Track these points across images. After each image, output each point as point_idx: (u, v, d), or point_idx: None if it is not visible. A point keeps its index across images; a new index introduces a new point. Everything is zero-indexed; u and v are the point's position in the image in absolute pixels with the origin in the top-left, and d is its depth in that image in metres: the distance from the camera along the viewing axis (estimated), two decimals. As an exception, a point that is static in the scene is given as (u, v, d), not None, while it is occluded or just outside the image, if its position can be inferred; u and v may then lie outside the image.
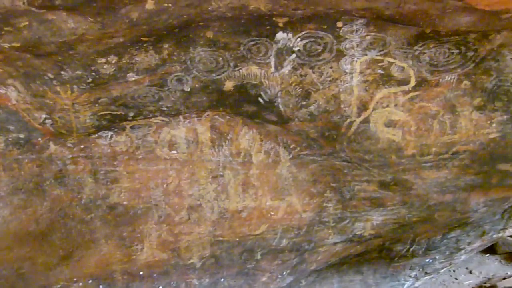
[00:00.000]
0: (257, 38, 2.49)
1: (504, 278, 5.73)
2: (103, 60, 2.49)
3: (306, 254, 3.72)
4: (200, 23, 2.38)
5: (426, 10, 2.01)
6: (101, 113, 2.75)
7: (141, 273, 3.24)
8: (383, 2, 2.14)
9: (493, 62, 2.54)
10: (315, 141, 2.98)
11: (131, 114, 2.82)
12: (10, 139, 2.78)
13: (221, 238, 3.30)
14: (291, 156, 3.13)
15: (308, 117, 2.84)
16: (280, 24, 2.42)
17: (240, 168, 3.12)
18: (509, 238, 6.43)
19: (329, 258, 3.94)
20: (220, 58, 2.60)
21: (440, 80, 2.64)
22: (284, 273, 3.73)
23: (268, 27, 2.44)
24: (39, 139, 2.80)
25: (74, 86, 2.59)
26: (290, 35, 2.47)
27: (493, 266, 6.46)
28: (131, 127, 2.89)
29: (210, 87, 2.75)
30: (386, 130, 2.80)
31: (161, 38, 2.45)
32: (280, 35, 2.47)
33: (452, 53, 2.52)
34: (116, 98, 2.69)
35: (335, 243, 3.70)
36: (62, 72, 2.53)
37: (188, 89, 2.74)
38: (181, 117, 2.95)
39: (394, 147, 2.85)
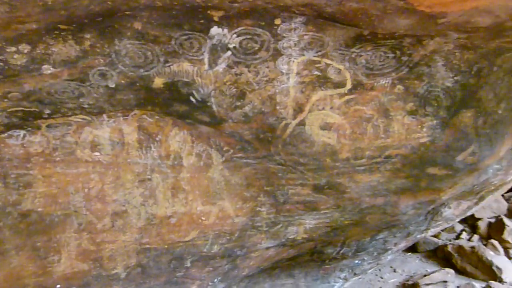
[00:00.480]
0: (190, 33, 2.33)
1: (425, 275, 6.00)
2: (13, 49, 2.21)
3: (238, 260, 3.65)
4: (127, 12, 2.17)
5: (367, 9, 1.97)
6: (12, 109, 2.49)
7: (58, 286, 2.99)
8: (325, -2, 2.08)
9: (425, 68, 2.58)
10: (249, 143, 2.89)
11: (47, 111, 2.56)
12: None
13: (148, 246, 3.13)
14: (223, 159, 3.03)
15: (243, 119, 2.74)
16: (215, 18, 2.28)
17: (170, 171, 2.98)
18: (429, 237, 6.77)
19: (261, 263, 3.90)
20: (149, 53, 2.41)
21: (375, 84, 2.64)
22: (215, 280, 3.65)
23: (202, 21, 2.29)
24: None
25: (-22, 78, 2.30)
26: (226, 30, 2.34)
27: (415, 264, 6.79)
28: (48, 126, 2.66)
29: (137, 84, 2.55)
30: (322, 133, 2.77)
31: (83, 27, 2.21)
32: (215, 30, 2.33)
33: (388, 57, 2.52)
34: (29, 92, 2.42)
35: (267, 248, 3.65)
36: (-38, 61, 2.22)
37: (113, 85, 2.52)
38: (105, 116, 2.74)
39: (329, 150, 2.82)
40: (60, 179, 2.78)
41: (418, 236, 4.75)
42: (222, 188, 3.12)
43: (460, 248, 6.52)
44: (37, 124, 2.62)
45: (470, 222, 7.22)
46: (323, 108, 2.70)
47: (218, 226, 3.26)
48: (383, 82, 2.64)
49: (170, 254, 3.22)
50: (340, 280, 4.92)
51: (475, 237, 7.04)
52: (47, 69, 2.34)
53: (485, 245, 6.61)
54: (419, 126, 2.76)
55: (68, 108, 2.60)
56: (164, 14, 2.22)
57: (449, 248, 6.66)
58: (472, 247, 6.39)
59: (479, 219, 7.18)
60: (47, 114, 2.57)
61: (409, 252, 6.91)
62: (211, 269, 3.52)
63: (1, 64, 2.25)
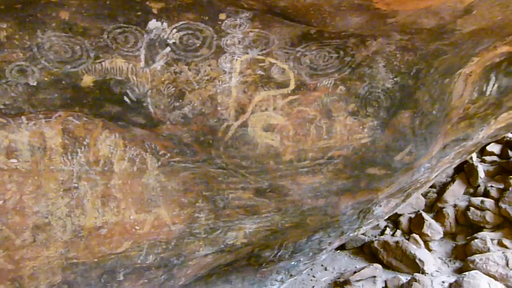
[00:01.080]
0: (125, 25, 2.12)
1: (355, 272, 6.18)
2: None
3: (175, 269, 3.50)
4: (52, 0, 1.91)
5: (321, 5, 1.90)
6: None
7: (-31, 315, 2.70)
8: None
9: (367, 69, 2.59)
10: (188, 146, 2.74)
11: None
12: None
13: (75, 261, 2.90)
14: (159, 163, 2.85)
15: (182, 120, 2.58)
16: (154, 11, 2.09)
17: (99, 178, 2.77)
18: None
19: (198, 270, 3.79)
20: (78, 47, 2.17)
21: (318, 84, 2.61)
22: (149, 292, 3.43)
23: (139, 13, 2.09)
24: None
25: None
26: (165, 24, 2.16)
27: (344, 261, 6.98)
28: None
29: (63, 82, 2.29)
30: (265, 135, 2.69)
31: None
32: (153, 23, 2.14)
33: (332, 57, 2.49)
34: None
35: (206, 255, 3.55)
36: None
37: (34, 83, 2.25)
38: (23, 118, 2.45)
39: (272, 152, 2.76)
40: None
41: (351, 234, 4.87)
42: (157, 195, 2.95)
43: (385, 244, 6.81)
44: None
45: (393, 218, 7.57)
46: (266, 109, 2.62)
47: (153, 235, 3.09)
48: (326, 83, 2.62)
49: (100, 268, 3.02)
50: (277, 283, 4.92)
51: (398, 232, 7.39)
52: None
53: (408, 239, 6.96)
54: (361, 127, 2.77)
55: None
56: (96, 3, 1.99)
57: (375, 244, 6.93)
58: (396, 242, 6.69)
59: (401, 215, 7.55)
60: None
61: (338, 250, 7.09)
62: (146, 281, 3.34)
63: None
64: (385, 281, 6.12)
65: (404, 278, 6.05)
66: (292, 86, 2.58)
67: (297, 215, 3.32)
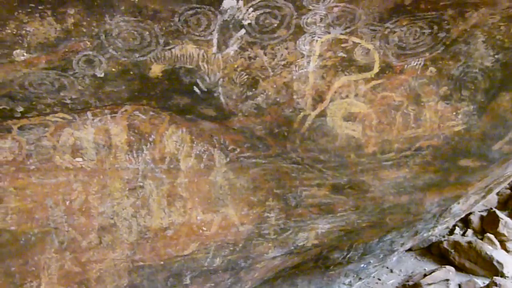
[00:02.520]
0: (198, 6, 1.94)
1: (425, 275, 5.78)
2: None
3: (242, 273, 3.39)
4: None
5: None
6: None
7: (38, 316, 2.64)
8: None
9: (463, 45, 2.29)
10: (261, 140, 2.61)
11: (20, 109, 2.20)
12: None
13: (141, 263, 2.86)
14: (228, 159, 2.75)
15: (255, 111, 2.44)
16: None
17: (165, 176, 2.69)
18: (424, 234, 6.58)
19: (265, 273, 3.68)
20: (147, 33, 2.02)
21: (406, 66, 2.37)
22: (216, 297, 3.38)
23: None
24: None
25: None
26: (241, 3, 1.96)
27: (411, 262, 6.57)
28: (20, 128, 2.30)
29: (131, 72, 2.17)
30: (345, 125, 2.50)
31: None
32: (228, 2, 1.95)
33: (424, 33, 2.21)
34: None
35: (274, 257, 3.45)
36: None
37: (102, 75, 2.14)
38: (89, 113, 2.40)
39: (353, 144, 2.57)
40: (36, 191, 2.49)
41: (425, 235, 4.55)
42: (225, 193, 2.85)
43: (456, 244, 6.35)
44: (7, 125, 2.27)
45: (462, 217, 7.07)
46: (347, 96, 2.43)
47: (220, 236, 3.00)
48: (414, 64, 2.37)
49: (167, 270, 2.96)
50: (345, 286, 4.69)
51: (469, 231, 6.89)
52: (20, 54, 1.94)
53: (481, 239, 6.46)
54: (454, 113, 2.51)
55: (46, 105, 2.22)
56: (169, -19, 1.81)
57: (445, 245, 6.48)
58: (469, 242, 6.22)
59: (471, 213, 7.03)
60: (20, 112, 2.22)
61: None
62: (212, 284, 3.26)
63: (-38, 49, 1.80)
64: (459, 285, 5.69)
65: (480, 282, 5.59)
66: (376, 69, 2.37)
67: (375, 214, 3.09)
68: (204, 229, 2.89)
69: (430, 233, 4.60)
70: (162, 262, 2.89)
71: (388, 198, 2.91)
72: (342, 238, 3.43)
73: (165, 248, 2.86)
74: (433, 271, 5.81)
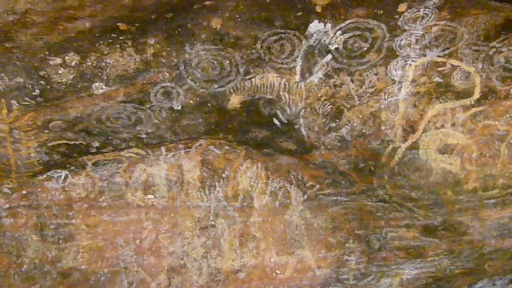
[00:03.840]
0: (282, 31, 1.87)
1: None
2: (58, 60, 1.82)
3: None
4: (207, 2, 1.69)
5: None
6: (53, 143, 2.17)
7: None
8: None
9: None
10: (344, 176, 2.46)
11: (96, 144, 2.24)
12: None
13: None
14: (305, 197, 2.65)
15: (338, 144, 2.29)
16: (318, 9, 1.81)
17: (238, 215, 2.65)
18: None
19: None
20: (227, 61, 1.98)
21: (511, 90, 2.09)
22: None
23: (300, 13, 1.82)
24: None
25: (13, 101, 1.94)
26: (329, 26, 1.85)
27: (495, 312, 5.94)
28: (94, 164, 2.36)
29: (209, 104, 2.14)
30: (441, 158, 2.27)
31: (146, 28, 1.79)
32: (314, 26, 1.86)
33: (537, 51, 1.98)
34: (75, 120, 2.07)
35: None
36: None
37: (179, 107, 2.13)
38: (163, 148, 2.41)
39: (450, 180, 2.31)
40: (107, 229, 2.53)
41: (521, 283, 4.07)
42: (301, 234, 2.74)
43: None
44: (82, 161, 2.34)
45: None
46: (442, 126, 2.22)
47: (295, 280, 2.86)
48: (522, 88, 2.12)
49: None
50: None
51: None
52: (99, 87, 1.96)
53: None
54: None
55: (122, 139, 2.25)
56: (253, 4, 1.73)
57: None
58: None
59: None
60: (95, 148, 2.29)
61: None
62: None
63: (43, 83, 1.88)
64: None
65: None
66: (476, 94, 2.16)
67: (473, 260, 2.78)
68: (278, 272, 2.77)
69: (525, 280, 4.15)
70: (233, 307, 2.79)
71: (489, 242, 2.61)
72: (430, 285, 3.12)
73: (237, 292, 2.75)
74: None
